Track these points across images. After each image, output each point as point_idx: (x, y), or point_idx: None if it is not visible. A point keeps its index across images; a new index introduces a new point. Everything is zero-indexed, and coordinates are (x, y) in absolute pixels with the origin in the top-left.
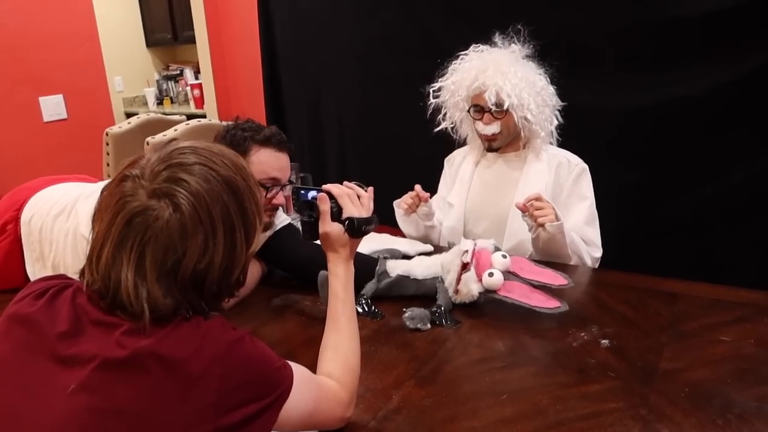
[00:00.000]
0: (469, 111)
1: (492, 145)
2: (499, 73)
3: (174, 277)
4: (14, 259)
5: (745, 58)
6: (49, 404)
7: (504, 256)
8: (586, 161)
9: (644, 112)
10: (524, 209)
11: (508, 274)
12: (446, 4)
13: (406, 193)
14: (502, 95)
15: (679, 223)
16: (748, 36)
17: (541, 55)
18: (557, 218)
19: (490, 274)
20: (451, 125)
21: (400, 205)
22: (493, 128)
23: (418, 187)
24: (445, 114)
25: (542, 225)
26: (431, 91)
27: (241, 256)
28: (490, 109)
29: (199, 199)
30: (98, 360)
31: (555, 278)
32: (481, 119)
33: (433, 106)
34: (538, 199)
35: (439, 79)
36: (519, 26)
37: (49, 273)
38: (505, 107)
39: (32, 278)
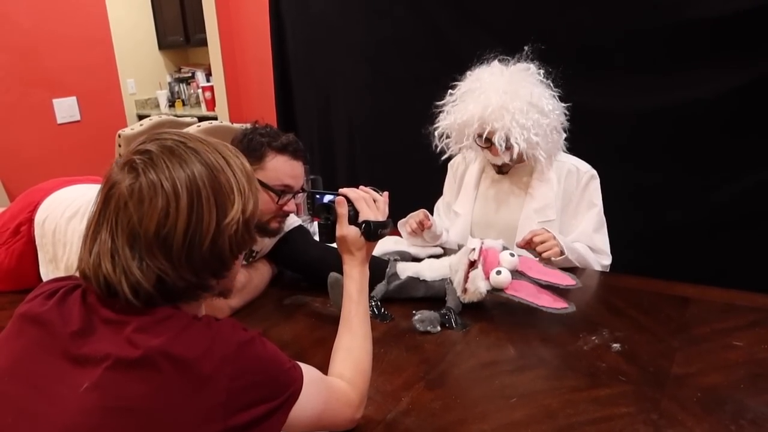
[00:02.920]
0: (475, 139)
1: (501, 170)
2: (505, 111)
3: (139, 242)
4: (28, 260)
5: (757, 61)
6: (61, 403)
7: (512, 255)
8: (597, 164)
9: (656, 115)
10: (525, 247)
11: (516, 274)
12: (457, 6)
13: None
14: (511, 140)
15: (692, 226)
16: (761, 39)
17: (552, 58)
18: (562, 251)
19: (498, 272)
20: (457, 151)
21: (405, 228)
22: (503, 159)
23: (422, 213)
24: (448, 139)
25: (548, 258)
26: (435, 132)
27: (211, 225)
28: (500, 147)
29: (157, 164)
30: (111, 359)
31: (563, 278)
32: (488, 149)
33: (439, 147)
34: (540, 233)
35: (441, 114)
36: (529, 36)
37: (62, 275)
38: (515, 153)
39: (45, 279)
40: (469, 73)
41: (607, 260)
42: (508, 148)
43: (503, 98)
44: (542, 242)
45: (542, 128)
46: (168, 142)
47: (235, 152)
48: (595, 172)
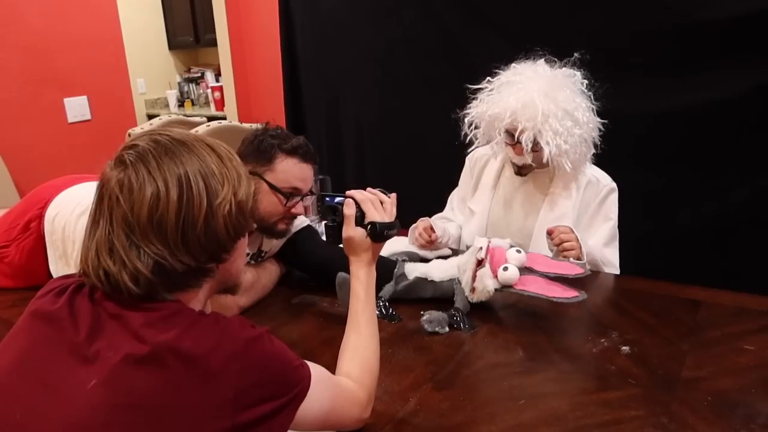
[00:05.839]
0: (503, 134)
1: (521, 172)
2: (539, 113)
3: (134, 231)
4: (38, 256)
5: None
6: (70, 399)
7: (518, 251)
8: (608, 166)
9: (668, 117)
10: (551, 235)
11: (524, 270)
12: (467, 7)
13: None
14: (542, 143)
15: (703, 229)
16: None
17: (564, 59)
18: (581, 257)
19: (505, 269)
20: (483, 143)
21: (413, 237)
22: (525, 160)
23: (427, 227)
24: (476, 130)
25: (565, 257)
26: (465, 118)
27: (202, 205)
28: (527, 148)
29: (144, 156)
30: (119, 356)
31: (571, 268)
32: (513, 146)
33: (470, 135)
34: (567, 231)
35: (473, 103)
36: (579, 51)
37: (73, 272)
38: (545, 157)
39: (56, 276)
40: (514, 65)
41: (615, 273)
42: (535, 150)
43: (541, 99)
44: (566, 240)
45: (573, 137)
46: (155, 136)
47: (226, 148)
48: (615, 185)
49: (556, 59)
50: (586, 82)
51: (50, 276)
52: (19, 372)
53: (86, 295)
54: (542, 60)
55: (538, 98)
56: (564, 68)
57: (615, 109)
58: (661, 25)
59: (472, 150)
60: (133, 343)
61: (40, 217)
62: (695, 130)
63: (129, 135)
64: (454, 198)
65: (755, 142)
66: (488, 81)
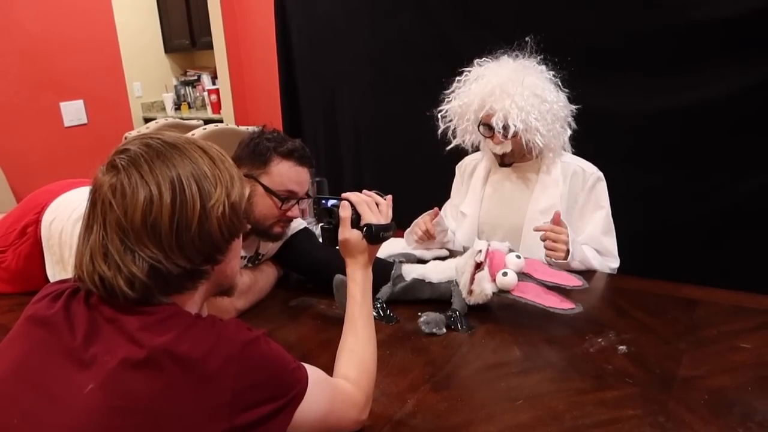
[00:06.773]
0: (479, 128)
1: (504, 161)
2: (505, 95)
3: (128, 235)
4: (35, 261)
5: (764, 62)
6: (67, 404)
7: (518, 257)
8: (603, 165)
9: (663, 117)
10: (543, 235)
11: (522, 275)
12: (462, 9)
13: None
14: (509, 121)
15: (700, 228)
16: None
17: (559, 59)
18: (567, 256)
19: (504, 274)
20: (462, 142)
21: (411, 236)
22: (504, 148)
23: (428, 217)
24: (455, 130)
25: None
26: (439, 114)
27: (196, 207)
28: (500, 132)
29: (136, 160)
30: (116, 360)
31: (570, 279)
32: (491, 137)
33: (441, 128)
34: (557, 232)
35: (446, 100)
36: (531, 34)
37: (70, 277)
38: (511, 134)
39: (53, 281)
40: (477, 61)
41: (615, 263)
42: (507, 134)
43: (505, 82)
44: (553, 241)
45: (542, 114)
46: (147, 140)
47: (218, 150)
48: (601, 174)
49: (518, 54)
50: (553, 72)
51: (47, 281)
52: (16, 377)
53: (82, 299)
54: (504, 56)
55: (502, 81)
56: (525, 59)
57: (610, 108)
58: (655, 25)
59: (455, 143)
60: (130, 346)
61: (37, 222)
62: (690, 128)
63: (125, 138)
64: (447, 208)
65: (750, 140)
66: (457, 81)
